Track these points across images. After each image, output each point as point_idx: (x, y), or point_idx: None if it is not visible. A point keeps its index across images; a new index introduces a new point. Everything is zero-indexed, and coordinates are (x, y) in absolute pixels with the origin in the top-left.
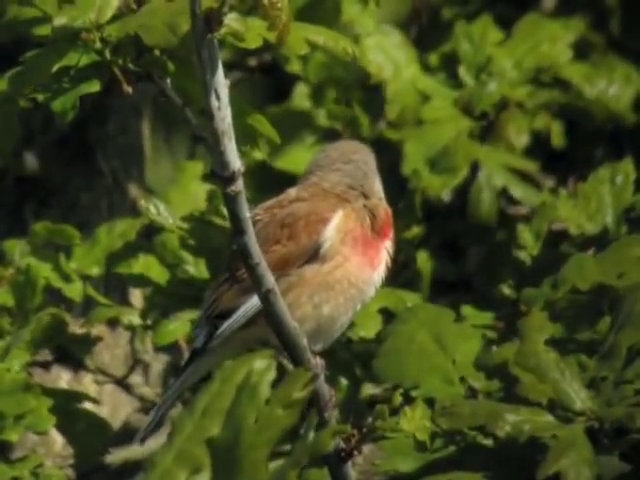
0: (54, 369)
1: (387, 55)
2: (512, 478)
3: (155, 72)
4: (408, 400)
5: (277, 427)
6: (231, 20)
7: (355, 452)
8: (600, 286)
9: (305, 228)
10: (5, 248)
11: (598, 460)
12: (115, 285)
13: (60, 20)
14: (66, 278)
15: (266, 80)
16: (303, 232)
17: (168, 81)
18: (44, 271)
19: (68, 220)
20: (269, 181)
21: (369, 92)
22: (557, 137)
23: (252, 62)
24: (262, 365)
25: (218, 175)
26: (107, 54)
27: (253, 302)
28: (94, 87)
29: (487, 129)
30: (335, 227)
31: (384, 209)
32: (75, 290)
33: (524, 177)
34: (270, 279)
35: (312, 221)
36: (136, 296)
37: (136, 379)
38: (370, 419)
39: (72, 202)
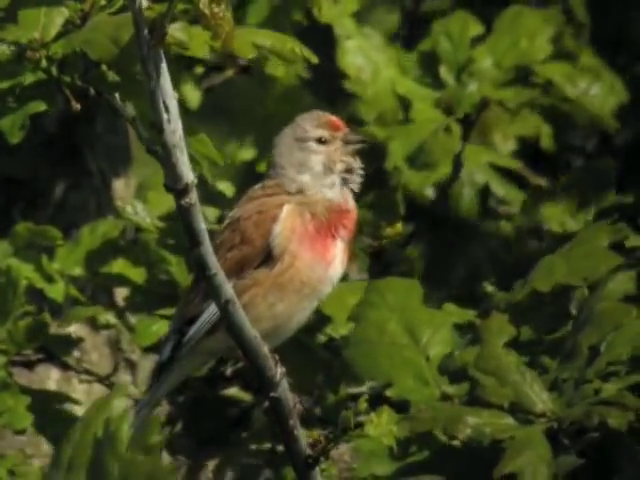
0: (42, 369)
1: (366, 57)
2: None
3: (103, 88)
4: (380, 400)
5: (140, 473)
6: (175, 30)
7: (322, 458)
8: (565, 288)
9: (257, 229)
10: None
11: (557, 459)
12: (103, 285)
13: (4, 40)
14: (48, 278)
15: (252, 80)
16: (255, 233)
17: (117, 96)
18: (26, 272)
19: (56, 220)
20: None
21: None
22: (546, 139)
23: (239, 62)
24: (119, 410)
25: (171, 188)
26: (54, 71)
27: (213, 308)
28: (41, 106)
29: (469, 128)
30: (282, 224)
31: (332, 205)
32: (57, 290)
33: (510, 175)
34: (228, 289)
35: (262, 220)
36: (122, 296)
37: (124, 378)
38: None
39: (60, 202)
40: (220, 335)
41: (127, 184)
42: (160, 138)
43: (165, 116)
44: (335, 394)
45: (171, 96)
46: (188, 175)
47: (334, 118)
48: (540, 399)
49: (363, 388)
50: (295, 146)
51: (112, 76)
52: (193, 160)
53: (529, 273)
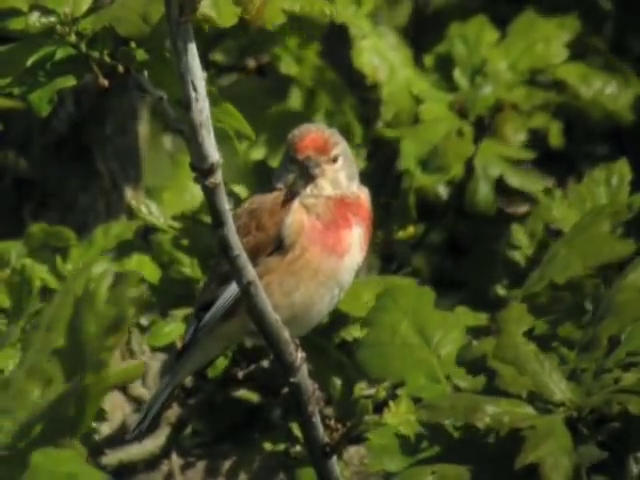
0: None
1: (382, 57)
2: (496, 472)
3: (132, 65)
4: (394, 396)
5: (109, 323)
6: (205, 6)
7: (339, 447)
8: (580, 281)
9: (271, 218)
10: (2, 249)
11: (577, 449)
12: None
13: (35, 13)
14: (62, 279)
15: (265, 80)
16: (269, 221)
17: (145, 74)
18: (40, 272)
19: (66, 221)
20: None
21: (363, 94)
22: (555, 137)
23: (250, 63)
24: (99, 271)
25: (197, 167)
26: (83, 47)
27: (231, 290)
28: (70, 81)
29: (482, 130)
30: (292, 216)
31: (334, 201)
32: None
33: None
34: (251, 271)
35: (277, 209)
36: None
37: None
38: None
39: (70, 203)
40: (237, 320)
41: (136, 185)
42: (187, 116)
43: (193, 94)
44: (349, 395)
45: (199, 75)
46: (214, 155)
47: (305, 139)
48: (559, 388)
49: (371, 390)
50: (284, 160)
51: (141, 54)
52: (224, 134)
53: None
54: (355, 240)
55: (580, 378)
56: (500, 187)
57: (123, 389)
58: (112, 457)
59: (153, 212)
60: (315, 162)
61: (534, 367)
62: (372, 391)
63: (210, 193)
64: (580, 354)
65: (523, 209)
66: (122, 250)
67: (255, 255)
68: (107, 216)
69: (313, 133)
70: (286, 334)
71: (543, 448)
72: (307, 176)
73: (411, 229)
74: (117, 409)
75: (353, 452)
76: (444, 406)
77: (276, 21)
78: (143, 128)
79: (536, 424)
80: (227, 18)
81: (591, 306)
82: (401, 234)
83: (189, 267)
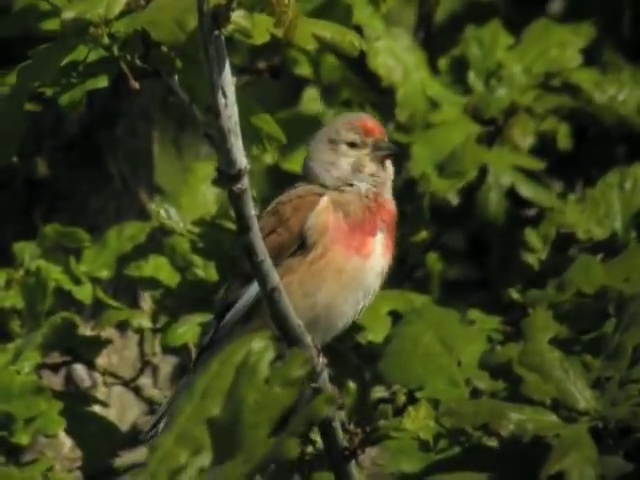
0: (64, 371)
1: (397, 58)
2: (517, 478)
3: (162, 69)
4: (413, 401)
5: (277, 406)
6: (238, 17)
7: (359, 451)
8: (605, 289)
9: (295, 213)
10: (15, 251)
11: (602, 460)
12: (125, 288)
13: (68, 14)
14: (76, 280)
15: (275, 83)
16: (293, 217)
17: (175, 78)
18: (54, 273)
19: (77, 223)
20: (279, 182)
21: (380, 95)
22: (564, 139)
23: (261, 65)
24: (260, 345)
25: (224, 173)
26: (115, 50)
27: (251, 292)
28: (102, 82)
29: (494, 133)
30: (317, 215)
31: (368, 200)
32: (85, 292)
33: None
34: (275, 276)
35: (301, 204)
36: (146, 299)
37: (145, 381)
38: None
39: (81, 205)
40: (256, 322)
41: (148, 188)
42: (216, 122)
43: (222, 101)
44: (363, 397)
45: (230, 82)
46: (241, 161)
47: (369, 122)
48: (583, 397)
49: (386, 394)
50: (327, 147)
51: (172, 58)
52: (256, 138)
53: (563, 273)
54: (377, 244)
55: (604, 387)
56: (511, 190)
57: (135, 390)
58: (125, 459)
59: (172, 216)
60: (386, 140)
61: (559, 375)
62: (386, 393)
63: (236, 198)
64: (605, 362)
65: (534, 210)
66: (138, 253)
67: (278, 254)
68: (118, 218)
69: (366, 117)
70: (308, 339)
71: (569, 458)
72: (384, 156)
73: (424, 233)
74: (129, 410)
75: (365, 454)
76: (468, 412)
77: (306, 45)
78: (154, 130)
79: (561, 433)
80: (260, 34)
81: (616, 313)
82: (414, 238)
83: (203, 269)
